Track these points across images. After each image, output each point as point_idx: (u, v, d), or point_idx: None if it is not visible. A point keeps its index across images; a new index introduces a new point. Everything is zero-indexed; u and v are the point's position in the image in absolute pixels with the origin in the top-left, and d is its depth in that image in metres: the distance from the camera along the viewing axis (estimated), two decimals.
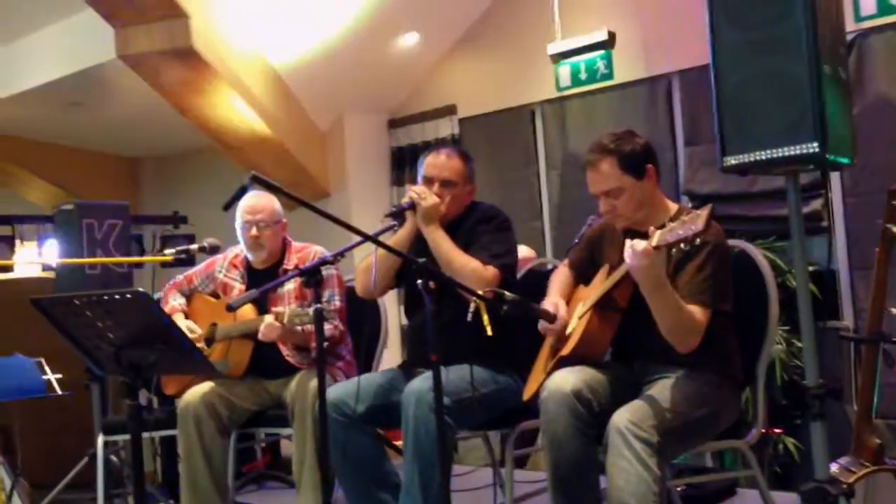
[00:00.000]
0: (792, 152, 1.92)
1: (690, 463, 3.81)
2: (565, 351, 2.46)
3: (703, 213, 1.99)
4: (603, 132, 2.52)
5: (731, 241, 2.68)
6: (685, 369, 2.34)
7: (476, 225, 2.94)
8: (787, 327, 4.01)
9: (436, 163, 2.98)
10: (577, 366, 2.41)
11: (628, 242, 2.17)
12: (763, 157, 1.96)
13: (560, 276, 2.77)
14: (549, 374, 2.48)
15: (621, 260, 2.25)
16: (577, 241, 3.25)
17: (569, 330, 2.52)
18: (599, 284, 2.50)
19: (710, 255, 2.28)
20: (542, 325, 2.59)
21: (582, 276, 2.70)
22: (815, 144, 1.89)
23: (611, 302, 2.40)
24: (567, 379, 2.34)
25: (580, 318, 2.48)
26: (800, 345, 4.02)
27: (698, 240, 2.02)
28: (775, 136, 1.94)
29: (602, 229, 2.63)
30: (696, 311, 2.26)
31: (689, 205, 4.75)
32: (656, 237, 2.10)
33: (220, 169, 5.87)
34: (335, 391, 2.82)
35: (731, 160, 2.04)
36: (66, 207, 3.99)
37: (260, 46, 4.96)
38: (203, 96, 4.83)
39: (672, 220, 2.37)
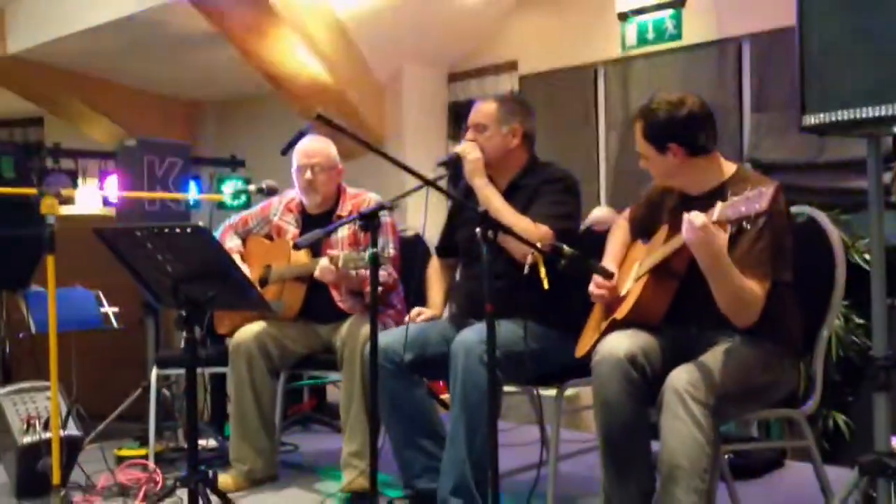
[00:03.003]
0: (879, 113, 1.84)
1: (736, 432, 3.76)
2: (619, 314, 2.42)
3: (769, 191, 1.91)
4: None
5: (799, 208, 2.61)
6: (745, 335, 2.28)
7: (542, 185, 2.90)
8: (846, 302, 3.91)
9: (474, 109, 2.98)
10: (631, 329, 2.37)
11: (686, 215, 2.11)
12: (846, 118, 1.88)
13: (618, 235, 2.72)
14: (602, 334, 2.45)
15: (680, 223, 2.20)
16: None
17: (623, 291, 2.48)
18: (657, 247, 2.44)
19: (767, 224, 2.17)
20: (593, 288, 2.54)
21: (640, 232, 2.65)
22: None
23: (668, 268, 2.34)
24: (621, 343, 2.29)
25: (636, 280, 2.44)
26: (858, 321, 3.93)
27: (761, 220, 1.95)
28: (860, 96, 1.86)
29: (661, 187, 2.57)
30: (755, 285, 2.19)
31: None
32: (717, 211, 2.03)
33: (278, 115, 5.88)
34: (385, 338, 2.83)
35: (812, 119, 1.96)
36: (129, 144, 4.05)
37: None
38: (266, 41, 4.83)
39: (730, 185, 2.32)
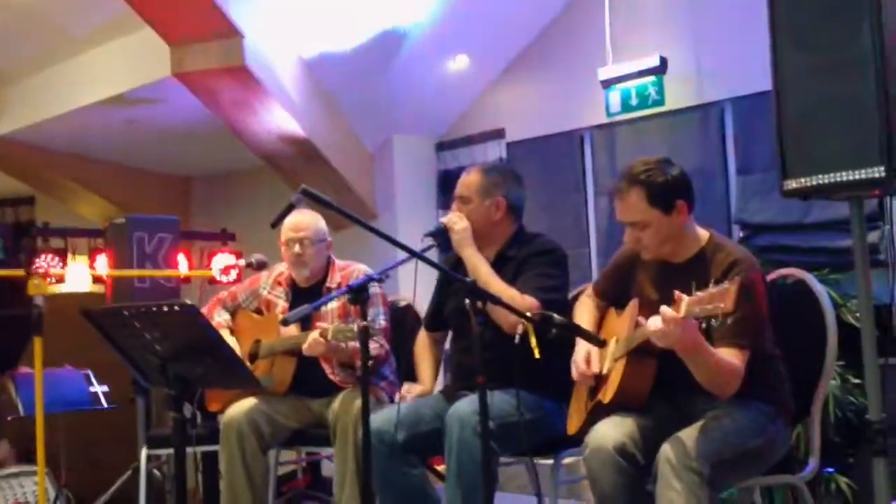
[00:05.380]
0: (857, 177, 1.86)
1: (739, 498, 3.70)
2: (605, 398, 2.40)
3: (733, 289, 1.91)
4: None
5: (789, 270, 2.61)
6: (735, 400, 2.26)
7: (529, 257, 2.89)
8: (841, 362, 3.88)
9: (460, 180, 3.01)
10: (619, 414, 2.34)
11: (651, 321, 2.10)
12: (826, 182, 1.90)
13: (583, 311, 2.69)
14: (589, 414, 2.44)
15: (654, 293, 2.17)
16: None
17: (604, 369, 2.47)
18: (629, 321, 2.41)
19: (743, 294, 2.11)
20: (575, 374, 2.52)
21: (612, 300, 2.63)
22: (882, 168, 1.83)
23: (645, 348, 2.31)
24: (608, 435, 2.27)
25: (615, 360, 2.42)
26: (855, 381, 3.90)
27: (729, 319, 1.95)
28: (839, 159, 1.89)
29: (632, 253, 2.54)
30: (734, 356, 2.19)
31: (740, 234, 4.67)
32: (684, 307, 2.02)
33: (269, 188, 5.92)
34: (377, 419, 2.78)
35: (793, 184, 1.99)
36: (118, 221, 4.06)
37: (312, 66, 5.01)
38: (254, 115, 4.88)
39: (705, 253, 2.33)
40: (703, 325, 2.03)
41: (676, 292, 2.06)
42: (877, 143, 1.84)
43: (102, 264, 4.50)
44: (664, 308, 2.06)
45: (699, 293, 1.99)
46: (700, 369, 2.17)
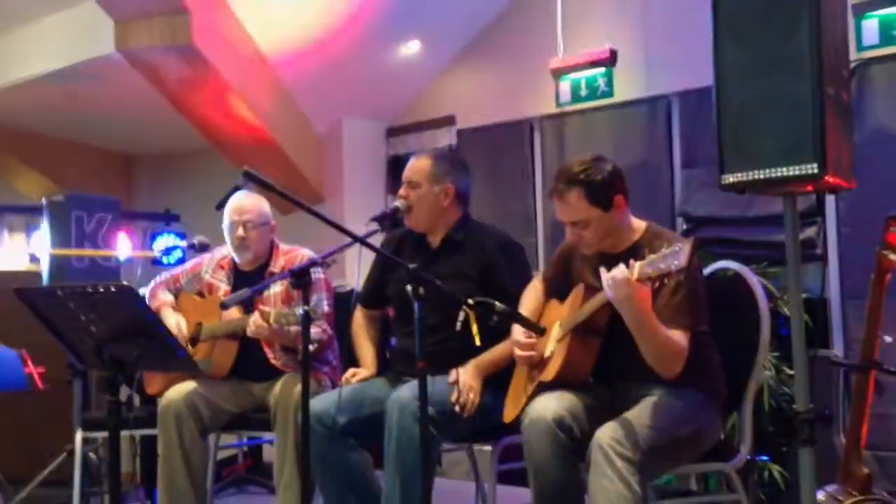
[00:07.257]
0: (791, 172, 1.91)
1: (675, 486, 3.77)
2: (547, 376, 2.43)
3: (686, 247, 1.97)
4: (600, 149, 2.49)
5: (725, 263, 2.67)
6: (669, 387, 2.31)
7: (497, 254, 2.86)
8: (776, 353, 3.98)
9: (408, 164, 2.99)
10: (558, 391, 2.37)
11: (606, 274, 2.14)
12: (761, 177, 1.95)
13: (532, 295, 2.72)
14: (529, 398, 2.45)
15: (596, 281, 2.22)
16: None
17: (547, 352, 2.49)
18: (574, 305, 2.45)
19: (683, 277, 2.18)
20: (517, 352, 2.54)
21: (554, 291, 2.66)
22: (815, 165, 1.88)
23: (590, 327, 2.36)
24: (548, 406, 2.30)
25: (558, 342, 2.45)
26: (789, 372, 4.01)
27: (681, 275, 1.99)
28: (775, 155, 1.93)
29: (572, 246, 2.59)
30: (678, 336, 2.23)
31: (684, 226, 4.74)
32: (636, 270, 2.07)
33: (215, 169, 5.84)
34: (318, 403, 2.78)
35: (730, 178, 2.03)
36: (57, 199, 3.97)
37: (261, 47, 4.94)
38: (201, 94, 4.81)
39: (645, 241, 2.38)
40: (656, 286, 2.07)
41: (631, 260, 2.10)
42: (811, 139, 1.89)
43: (40, 242, 4.40)
44: (617, 269, 2.10)
45: (651, 255, 2.04)
46: (649, 341, 2.20)
